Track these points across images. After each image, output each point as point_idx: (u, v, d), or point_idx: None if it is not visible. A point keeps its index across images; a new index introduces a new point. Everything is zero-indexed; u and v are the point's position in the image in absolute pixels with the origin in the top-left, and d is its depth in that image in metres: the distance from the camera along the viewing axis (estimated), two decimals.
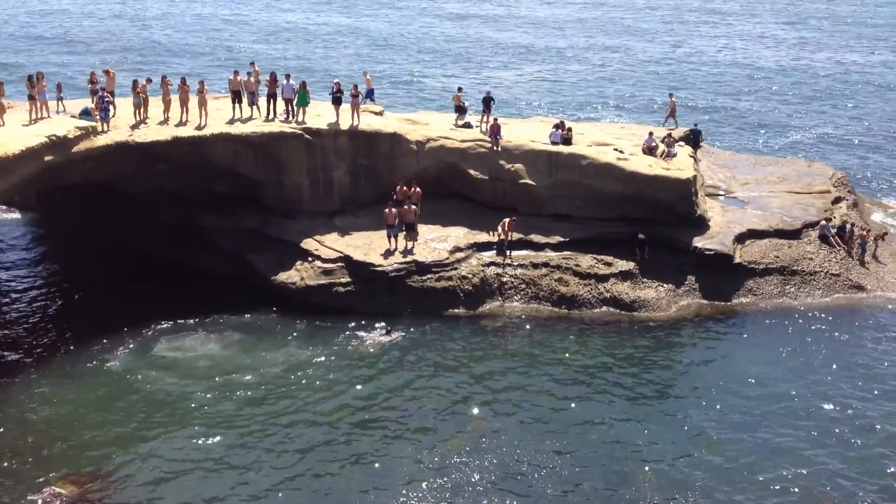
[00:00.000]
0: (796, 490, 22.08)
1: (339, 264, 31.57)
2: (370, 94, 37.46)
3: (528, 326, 30.38)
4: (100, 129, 30.63)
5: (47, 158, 28.18)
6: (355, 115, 34.65)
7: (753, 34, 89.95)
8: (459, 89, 38.80)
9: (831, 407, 25.55)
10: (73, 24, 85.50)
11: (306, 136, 33.54)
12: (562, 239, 33.42)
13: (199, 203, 33.43)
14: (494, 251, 32.71)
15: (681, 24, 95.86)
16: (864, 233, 35.20)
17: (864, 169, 47.22)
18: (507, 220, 32.71)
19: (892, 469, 22.93)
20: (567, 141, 35.35)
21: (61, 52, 71.68)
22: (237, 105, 34.16)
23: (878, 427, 24.70)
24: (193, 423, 24.47)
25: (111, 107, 31.36)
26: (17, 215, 38.80)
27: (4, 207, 38.13)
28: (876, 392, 26.44)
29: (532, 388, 26.57)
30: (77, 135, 29.46)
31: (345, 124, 34.41)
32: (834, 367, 27.81)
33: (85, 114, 31.15)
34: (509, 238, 32.68)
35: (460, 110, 37.65)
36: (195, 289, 31.53)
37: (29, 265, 34.43)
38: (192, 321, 29.66)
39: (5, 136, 27.66)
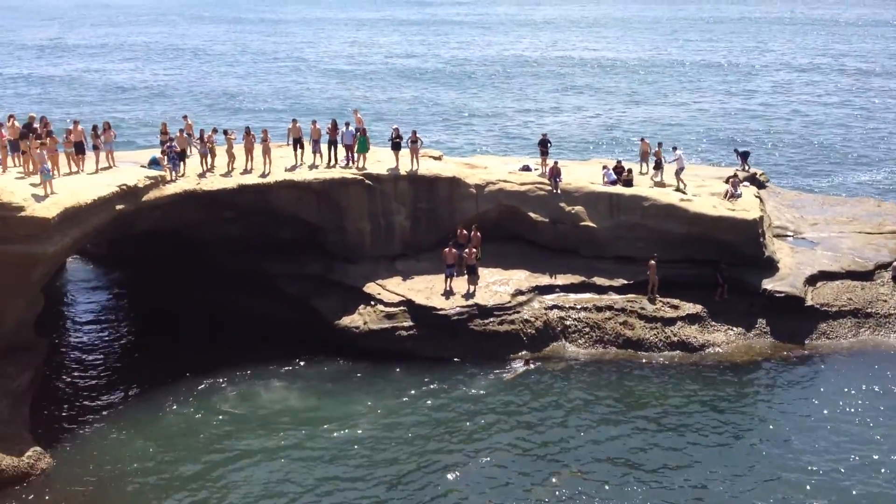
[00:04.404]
0: None
1: (402, 308, 31.56)
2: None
3: (593, 370, 29.90)
4: (168, 178, 31.29)
5: (118, 207, 28.76)
6: (414, 160, 34.91)
7: (815, 86, 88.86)
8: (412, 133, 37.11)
9: None
10: (136, 77, 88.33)
11: (367, 181, 33.84)
12: (626, 281, 32.98)
13: (263, 250, 33.87)
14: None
15: (740, 70, 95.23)
16: None
17: None
18: (651, 261, 32.30)
19: None
20: (628, 182, 35.11)
21: (126, 103, 73.97)
22: (299, 152, 34.76)
23: None
24: (283, 482, 23.87)
25: (183, 158, 32.04)
26: (89, 265, 39.72)
27: (77, 256, 39.04)
28: None
29: (606, 433, 26.05)
30: (147, 184, 30.07)
31: (404, 169, 34.67)
32: None
33: (154, 163, 31.87)
34: (655, 280, 32.28)
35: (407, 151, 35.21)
36: (259, 335, 31.72)
37: (98, 313, 35.14)
38: (262, 369, 29.64)
39: (78, 186, 28.34)
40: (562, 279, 33.26)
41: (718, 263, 32.40)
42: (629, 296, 32.50)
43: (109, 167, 31.30)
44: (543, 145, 36.79)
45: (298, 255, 34.01)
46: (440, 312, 31.07)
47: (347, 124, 34.99)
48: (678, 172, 35.68)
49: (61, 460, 24.46)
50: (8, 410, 24.84)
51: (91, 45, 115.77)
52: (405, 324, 31.18)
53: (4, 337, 26.46)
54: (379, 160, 35.39)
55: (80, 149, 30.53)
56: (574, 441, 25.65)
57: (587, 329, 31.62)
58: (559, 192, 34.84)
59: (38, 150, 27.87)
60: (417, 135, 35.11)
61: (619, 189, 34.70)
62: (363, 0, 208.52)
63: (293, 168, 34.05)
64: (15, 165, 29.45)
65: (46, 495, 22.98)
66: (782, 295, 31.78)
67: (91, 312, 35.11)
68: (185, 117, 34.61)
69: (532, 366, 30.02)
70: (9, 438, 24.01)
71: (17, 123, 29.90)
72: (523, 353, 30.62)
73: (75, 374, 29.96)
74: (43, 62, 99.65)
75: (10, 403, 25.10)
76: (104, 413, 27.22)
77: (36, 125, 30.45)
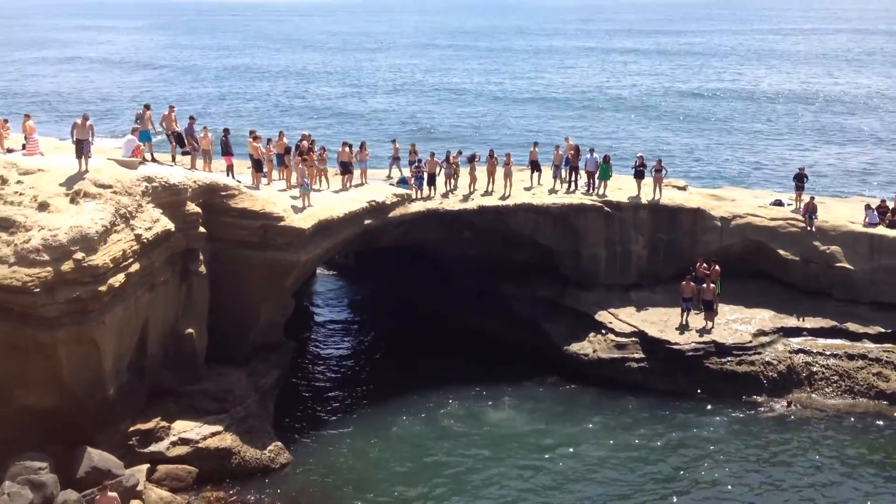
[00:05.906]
0: None
1: (633, 339, 30.81)
2: (567, 163, 34.70)
3: (841, 422, 27.69)
4: (414, 196, 32.61)
5: (366, 222, 30.41)
6: (657, 189, 34.07)
7: None
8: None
9: None
10: (392, 101, 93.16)
11: (606, 208, 33.45)
12: (883, 330, 30.46)
13: (498, 270, 34.39)
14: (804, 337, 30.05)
15: None
16: None
17: None
18: None
19: None
20: (893, 224, 32.30)
21: (379, 125, 78.10)
22: (535, 175, 35.05)
23: None
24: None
25: (432, 181, 33.16)
26: (337, 275, 42.10)
27: (326, 266, 41.56)
28: None
29: (853, 492, 24.05)
30: (393, 201, 31.58)
31: (646, 198, 33.91)
32: None
33: (402, 182, 33.39)
34: None
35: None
36: (490, 353, 32.09)
37: (342, 321, 37.12)
38: (491, 387, 29.82)
39: (331, 201, 30.27)
40: (810, 322, 31.16)
41: None
42: (886, 345, 29.85)
43: (362, 184, 33.12)
44: (799, 180, 34.65)
45: (531, 278, 34.24)
46: (674, 346, 30.00)
47: (591, 151, 34.85)
48: None
49: (297, 458, 25.80)
50: (255, 405, 26.74)
51: (348, 71, 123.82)
52: (636, 355, 30.40)
53: (257, 336, 28.65)
54: (620, 188, 34.90)
55: (346, 168, 32.51)
56: (819, 499, 23.78)
57: (836, 377, 29.29)
58: (814, 229, 32.66)
59: (300, 166, 30.02)
60: (662, 163, 34.30)
61: (882, 230, 32.01)
62: (609, 31, 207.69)
63: (530, 190, 34.36)
64: (280, 178, 31.89)
65: (280, 490, 24.16)
66: None
67: (335, 320, 37.17)
68: (393, 141, 36.75)
69: (794, 408, 28.29)
70: (254, 431, 25.80)
71: (285, 140, 32.39)
72: (761, 396, 28.88)
73: (316, 376, 31.80)
74: (311, 85, 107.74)
75: (257, 399, 27.05)
76: (338, 418, 28.51)
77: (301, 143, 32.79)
